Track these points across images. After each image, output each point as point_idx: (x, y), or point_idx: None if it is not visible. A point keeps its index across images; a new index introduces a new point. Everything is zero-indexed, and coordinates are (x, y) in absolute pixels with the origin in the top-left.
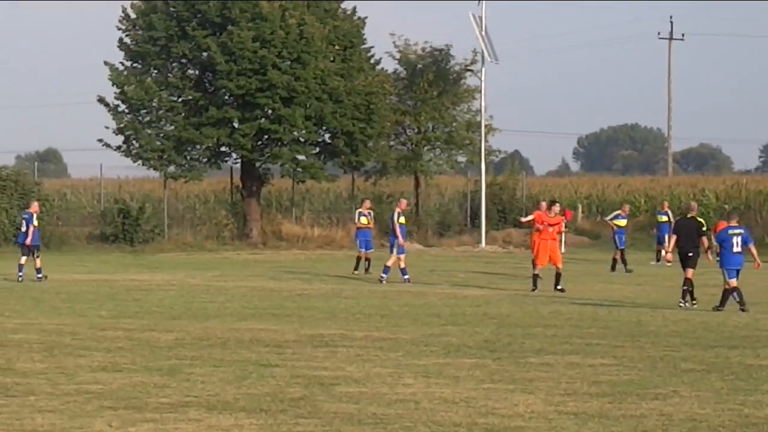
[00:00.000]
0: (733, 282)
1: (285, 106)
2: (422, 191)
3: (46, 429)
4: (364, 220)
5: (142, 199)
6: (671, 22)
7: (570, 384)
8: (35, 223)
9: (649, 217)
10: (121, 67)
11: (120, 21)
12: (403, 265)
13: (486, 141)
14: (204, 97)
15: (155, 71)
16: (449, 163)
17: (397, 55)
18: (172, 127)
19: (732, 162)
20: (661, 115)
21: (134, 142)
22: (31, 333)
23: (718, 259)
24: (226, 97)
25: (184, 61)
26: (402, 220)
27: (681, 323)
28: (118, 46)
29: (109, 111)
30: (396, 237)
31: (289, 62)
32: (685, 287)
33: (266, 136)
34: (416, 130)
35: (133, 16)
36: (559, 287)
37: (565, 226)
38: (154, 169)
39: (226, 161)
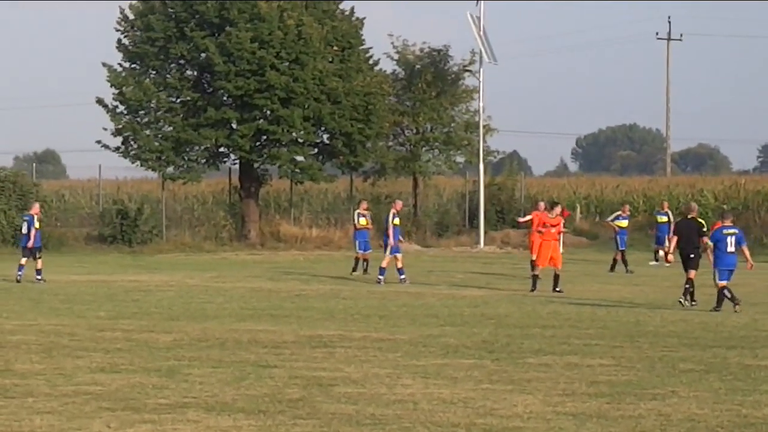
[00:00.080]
0: (722, 283)
1: (283, 107)
2: (420, 192)
3: (45, 430)
4: (363, 221)
5: (140, 200)
6: (669, 23)
7: (568, 384)
8: (36, 225)
9: (648, 218)
10: (120, 69)
11: (118, 22)
12: (400, 265)
13: (484, 141)
14: (202, 98)
15: (153, 72)
16: (447, 164)
17: (396, 56)
18: (171, 128)
19: (730, 162)
20: (660, 115)
21: (132, 143)
22: (29, 334)
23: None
24: (225, 98)
25: (182, 62)
26: (396, 221)
27: (679, 323)
28: (117, 47)
29: (107, 112)
30: (393, 237)
31: (287, 63)
32: (687, 286)
33: (264, 137)
34: (414, 131)
35: (131, 17)
36: (557, 289)
37: (564, 226)
38: (153, 170)
39: (225, 162)
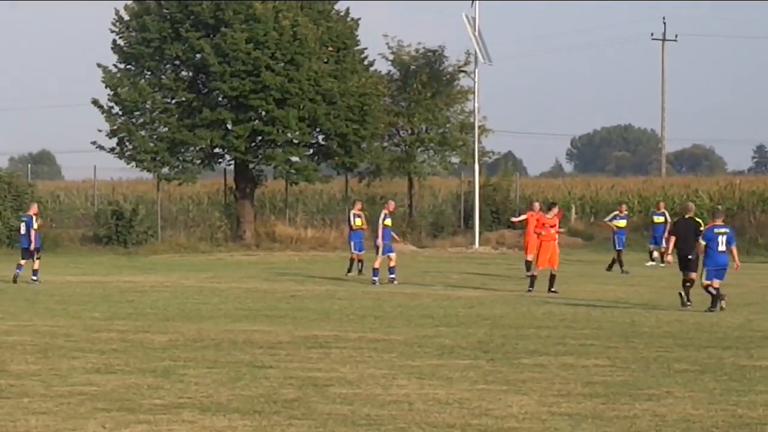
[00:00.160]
0: (706, 282)
1: (278, 108)
2: (416, 192)
3: (40, 430)
4: (359, 221)
5: (135, 201)
6: (664, 23)
7: (563, 385)
8: (35, 226)
9: (643, 218)
10: (115, 70)
11: (113, 23)
12: (392, 264)
13: (479, 142)
14: (197, 99)
15: (148, 73)
16: (443, 165)
17: (391, 57)
18: (166, 129)
19: (725, 163)
20: (655, 115)
21: (128, 143)
22: (24, 335)
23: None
24: (220, 99)
25: (177, 62)
26: (388, 221)
27: (674, 324)
28: (112, 48)
29: (102, 113)
30: (379, 238)
31: (282, 64)
32: (687, 284)
33: (260, 138)
34: (410, 132)
35: (126, 18)
36: (553, 289)
37: (558, 226)
38: (148, 170)
39: (220, 163)
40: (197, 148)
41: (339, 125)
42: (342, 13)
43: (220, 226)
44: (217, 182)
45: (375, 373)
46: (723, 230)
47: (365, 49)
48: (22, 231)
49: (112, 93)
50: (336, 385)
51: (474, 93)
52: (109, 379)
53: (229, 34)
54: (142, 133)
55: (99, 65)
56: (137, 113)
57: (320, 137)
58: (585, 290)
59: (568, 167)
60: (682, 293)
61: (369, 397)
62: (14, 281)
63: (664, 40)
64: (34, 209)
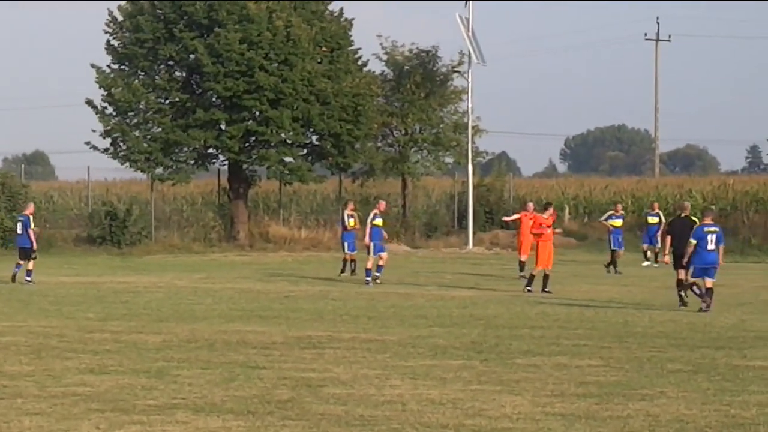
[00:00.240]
0: (691, 280)
1: (272, 108)
2: (409, 193)
3: (34, 431)
4: (353, 222)
5: (129, 202)
6: (658, 24)
7: (557, 385)
8: (33, 226)
9: (636, 218)
10: (108, 70)
11: (107, 23)
12: (381, 263)
13: (473, 142)
14: (191, 99)
15: (142, 73)
16: (436, 165)
17: (384, 57)
18: (160, 129)
19: (718, 163)
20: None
21: (121, 144)
22: (18, 335)
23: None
24: (214, 99)
25: (171, 63)
26: (378, 221)
27: (668, 324)
28: (105, 49)
29: (96, 113)
30: (368, 237)
31: (276, 64)
32: (688, 286)
33: (253, 138)
34: (403, 132)
35: (119, 18)
36: (546, 289)
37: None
38: (142, 171)
39: (214, 163)
40: (191, 149)
41: (333, 125)
42: (336, 14)
43: (213, 226)
44: (210, 182)
45: (368, 374)
46: (713, 229)
47: (359, 49)
48: (19, 231)
49: (105, 93)
50: (329, 386)
51: (468, 93)
52: (103, 379)
53: (222, 35)
54: (136, 133)
55: (93, 66)
56: (131, 113)
57: (314, 137)
58: (578, 290)
59: (561, 167)
60: (683, 293)
61: (362, 398)
62: (13, 280)
63: (657, 40)
64: (30, 209)
